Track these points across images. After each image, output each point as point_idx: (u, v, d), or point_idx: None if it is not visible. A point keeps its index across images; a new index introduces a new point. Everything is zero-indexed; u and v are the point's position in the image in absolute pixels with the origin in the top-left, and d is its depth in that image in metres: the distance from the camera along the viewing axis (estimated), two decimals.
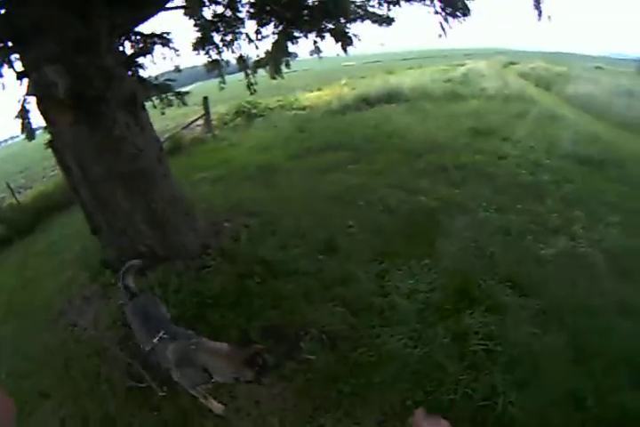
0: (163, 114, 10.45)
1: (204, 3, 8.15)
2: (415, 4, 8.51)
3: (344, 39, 9.37)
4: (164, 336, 3.73)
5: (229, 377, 3.46)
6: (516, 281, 5.55)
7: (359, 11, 9.21)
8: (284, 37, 9.35)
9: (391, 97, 18.19)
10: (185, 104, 10.32)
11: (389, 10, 9.07)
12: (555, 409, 3.96)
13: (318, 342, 4.64)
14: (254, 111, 19.18)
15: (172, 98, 9.93)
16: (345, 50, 9.39)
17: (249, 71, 10.26)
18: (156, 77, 9.41)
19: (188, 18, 8.27)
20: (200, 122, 17.66)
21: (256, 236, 6.81)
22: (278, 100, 20.91)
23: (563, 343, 4.67)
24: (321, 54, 9.99)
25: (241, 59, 9.94)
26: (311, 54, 10.15)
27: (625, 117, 17.42)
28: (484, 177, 9.10)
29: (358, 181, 8.81)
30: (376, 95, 18.44)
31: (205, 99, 16.63)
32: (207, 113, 17.02)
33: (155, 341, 3.71)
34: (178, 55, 8.83)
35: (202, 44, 9.15)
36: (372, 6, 9.19)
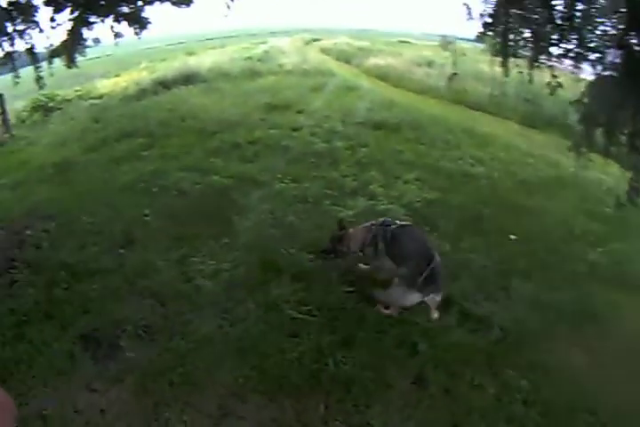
0: None
1: None
2: None
3: (139, 23, 9.44)
4: None
5: None
6: (317, 246, 5.54)
7: None
8: (80, 24, 9.08)
9: (189, 78, 17.94)
10: None
11: None
12: (388, 359, 4.20)
13: (136, 338, 4.48)
14: (51, 104, 17.95)
15: None
16: (137, 34, 9.55)
17: (38, 63, 9.52)
18: None
19: None
20: None
21: (56, 240, 6.35)
22: (76, 90, 19.67)
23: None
24: (123, 38, 9.90)
25: (30, 50, 9.27)
26: (114, 38, 9.89)
27: (424, 85, 18.66)
28: (278, 150, 9.27)
29: (152, 167, 8.60)
30: (173, 77, 18.15)
31: (0, 96, 15.51)
32: (4, 112, 15.70)
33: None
34: None
35: None
36: None
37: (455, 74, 13.82)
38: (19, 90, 11.92)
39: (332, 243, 5.18)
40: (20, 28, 8.68)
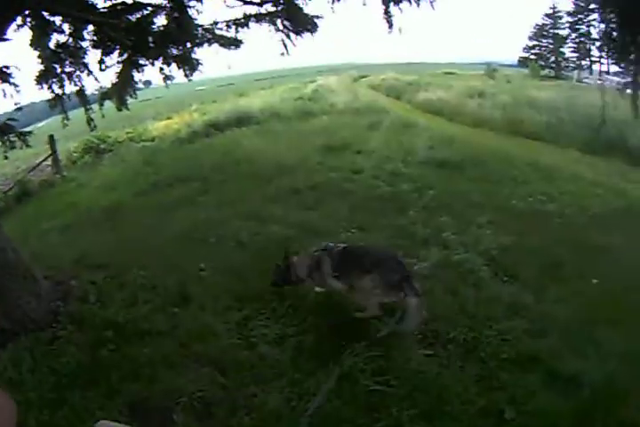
0: (6, 158, 9.40)
1: (49, 32, 7.66)
2: (264, 24, 8.62)
3: (189, 65, 9.20)
4: None
5: None
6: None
7: (206, 34, 8.99)
8: (129, 66, 8.91)
9: (241, 120, 17.96)
10: (28, 145, 9.16)
11: (237, 32, 8.96)
12: None
13: (192, 411, 3.98)
14: (103, 146, 18.14)
15: (14, 139, 8.99)
16: (187, 76, 9.34)
17: (89, 106, 9.44)
18: None
19: (33, 48, 7.66)
20: (49, 162, 16.38)
21: (104, 293, 5.86)
22: (128, 132, 19.99)
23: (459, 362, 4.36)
24: (173, 80, 9.68)
25: (80, 92, 9.13)
26: (164, 81, 9.65)
27: (478, 117, 18.31)
28: (341, 195, 8.72)
29: (207, 214, 8.12)
30: (225, 119, 18.18)
31: (51, 137, 15.51)
32: (54, 152, 15.88)
33: None
34: (18, 91, 7.89)
35: (45, 77, 8.37)
36: (220, 29, 9.03)
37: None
38: (70, 131, 11.87)
39: (278, 275, 5.27)
40: (68, 70, 8.58)
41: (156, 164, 13.52)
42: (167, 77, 9.39)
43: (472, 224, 7.44)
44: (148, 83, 9.79)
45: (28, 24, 7.24)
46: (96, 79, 8.88)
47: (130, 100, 9.80)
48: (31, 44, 7.49)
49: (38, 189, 14.36)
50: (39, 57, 7.86)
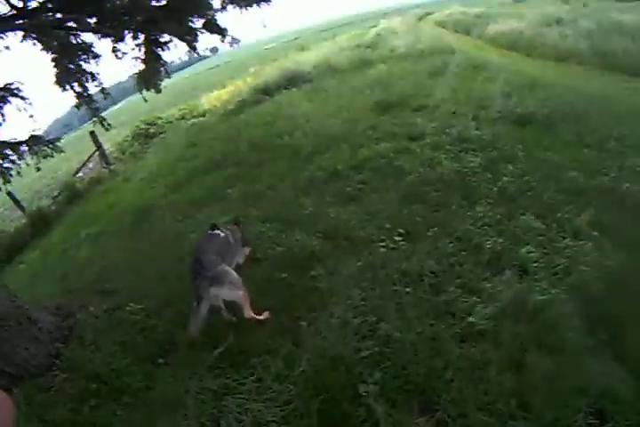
0: (38, 170, 9.54)
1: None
2: None
3: (219, 32, 9.24)
4: None
5: None
6: (428, 385, 3.30)
7: None
8: (150, 46, 9.02)
9: (292, 80, 16.57)
10: (62, 151, 9.21)
11: None
12: None
13: None
14: (152, 130, 17.43)
15: (44, 149, 8.83)
16: (205, 51, 8.94)
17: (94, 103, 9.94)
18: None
19: (46, 51, 8.41)
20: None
21: (101, 332, 5.07)
22: (180, 109, 19.37)
23: None
24: (240, 43, 10.15)
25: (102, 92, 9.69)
26: (231, 45, 9.97)
27: (561, 49, 15.75)
28: (390, 175, 6.68)
29: (229, 215, 6.41)
30: (276, 81, 16.90)
31: (92, 133, 15.13)
32: (99, 147, 15.62)
33: None
34: (30, 104, 8.25)
35: (63, 77, 8.88)
36: None
37: None
38: (132, 115, 11.24)
39: None
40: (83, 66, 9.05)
41: (200, 145, 12.44)
42: (232, 42, 9.76)
43: (565, 228, 5.07)
44: (214, 50, 9.50)
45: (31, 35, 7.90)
46: (93, 77, 9.26)
47: (199, 69, 9.75)
48: (43, 49, 8.26)
49: (88, 187, 13.91)
50: (53, 60, 8.60)
